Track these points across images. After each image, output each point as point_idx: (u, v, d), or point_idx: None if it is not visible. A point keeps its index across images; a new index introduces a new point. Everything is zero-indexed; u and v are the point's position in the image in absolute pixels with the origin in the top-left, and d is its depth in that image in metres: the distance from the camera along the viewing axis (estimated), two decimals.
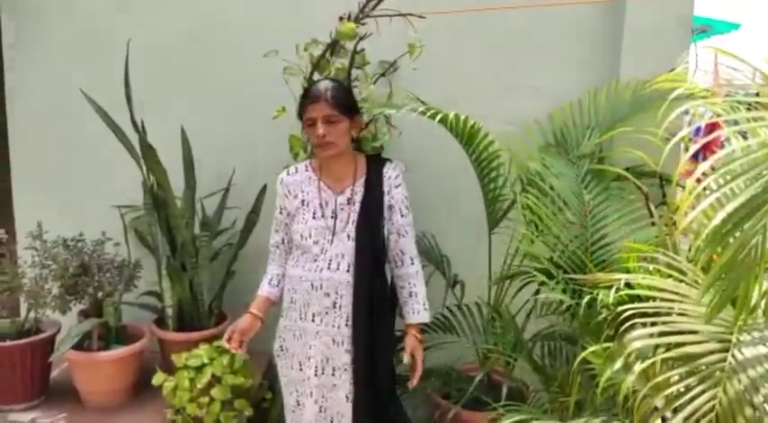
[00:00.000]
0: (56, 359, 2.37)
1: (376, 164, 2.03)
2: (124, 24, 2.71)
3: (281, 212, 2.05)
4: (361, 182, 2.00)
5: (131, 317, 2.62)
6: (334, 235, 1.96)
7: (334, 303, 1.96)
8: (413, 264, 2.04)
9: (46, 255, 2.46)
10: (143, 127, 2.47)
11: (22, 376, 2.40)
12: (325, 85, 1.94)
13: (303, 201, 2.01)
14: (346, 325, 1.96)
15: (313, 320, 1.97)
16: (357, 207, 1.97)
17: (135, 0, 2.73)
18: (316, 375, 1.98)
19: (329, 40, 2.28)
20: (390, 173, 2.01)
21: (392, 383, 2.04)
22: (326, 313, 1.96)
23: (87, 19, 2.77)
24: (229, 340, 2.01)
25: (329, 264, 1.96)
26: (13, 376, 2.39)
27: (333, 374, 1.98)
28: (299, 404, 2.05)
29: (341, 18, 2.25)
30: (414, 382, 2.00)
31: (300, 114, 1.96)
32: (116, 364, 2.42)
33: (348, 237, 1.96)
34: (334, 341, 1.97)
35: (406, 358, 1.99)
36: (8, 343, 2.38)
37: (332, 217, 1.98)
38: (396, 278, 2.07)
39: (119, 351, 2.42)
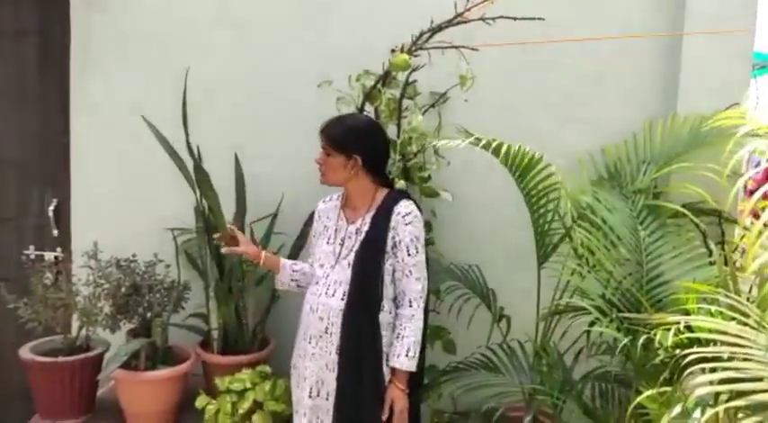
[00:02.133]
0: (103, 378, 2.41)
1: (392, 200, 2.02)
2: (183, 49, 2.83)
3: (314, 235, 2.16)
4: (370, 215, 2.02)
5: (178, 338, 2.66)
6: (337, 261, 2.01)
7: (326, 329, 1.97)
8: (410, 306, 1.97)
9: (100, 274, 2.53)
10: (199, 152, 2.54)
11: (70, 392, 2.46)
12: (331, 120, 2.03)
13: (325, 226, 2.10)
14: (336, 352, 1.96)
15: (310, 342, 2.01)
16: (362, 237, 2.00)
17: (195, 27, 2.85)
18: (309, 397, 2.00)
19: (381, 72, 2.31)
20: (401, 210, 1.97)
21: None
22: (320, 337, 1.99)
23: (149, 45, 2.89)
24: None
25: (327, 289, 2.00)
26: (63, 392, 2.45)
27: (326, 399, 1.98)
28: None
29: (393, 50, 2.28)
30: None
31: None
32: (161, 385, 2.45)
33: (348, 264, 1.99)
34: (327, 366, 1.98)
35: (384, 415, 1.91)
36: (60, 359, 2.45)
37: (340, 244, 2.03)
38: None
39: (164, 372, 2.45)
